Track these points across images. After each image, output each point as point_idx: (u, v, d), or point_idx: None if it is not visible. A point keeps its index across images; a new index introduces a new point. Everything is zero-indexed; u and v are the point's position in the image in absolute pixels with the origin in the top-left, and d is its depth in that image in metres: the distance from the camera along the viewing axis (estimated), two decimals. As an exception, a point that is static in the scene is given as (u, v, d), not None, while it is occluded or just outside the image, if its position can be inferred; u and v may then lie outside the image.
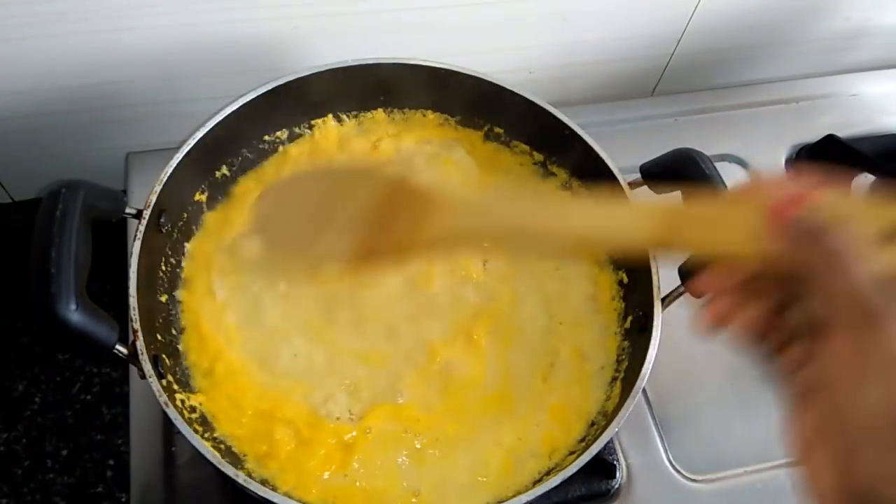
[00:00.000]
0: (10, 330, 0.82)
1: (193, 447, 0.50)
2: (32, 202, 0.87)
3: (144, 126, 0.81)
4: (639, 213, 0.43)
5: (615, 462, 0.67)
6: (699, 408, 0.72)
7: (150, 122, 0.81)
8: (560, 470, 0.53)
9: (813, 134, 0.87)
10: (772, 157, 0.88)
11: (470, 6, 0.77)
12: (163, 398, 0.51)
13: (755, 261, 0.38)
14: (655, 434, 0.70)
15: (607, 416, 0.59)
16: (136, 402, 0.66)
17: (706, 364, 0.74)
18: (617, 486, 0.67)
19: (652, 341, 0.57)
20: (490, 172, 0.73)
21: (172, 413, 0.51)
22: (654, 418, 0.71)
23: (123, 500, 0.65)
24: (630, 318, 0.64)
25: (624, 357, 0.63)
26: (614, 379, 0.63)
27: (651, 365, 0.57)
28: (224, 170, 0.69)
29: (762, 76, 0.98)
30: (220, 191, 0.69)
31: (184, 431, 0.50)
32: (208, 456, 0.50)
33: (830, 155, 0.85)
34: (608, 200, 0.50)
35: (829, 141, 0.86)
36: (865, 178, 0.85)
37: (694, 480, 0.68)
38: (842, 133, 0.86)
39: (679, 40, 0.89)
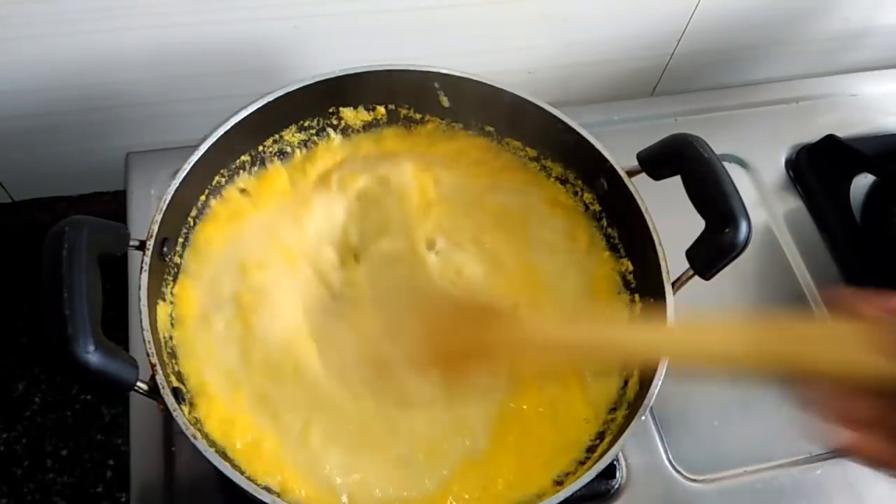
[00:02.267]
0: (10, 330, 0.82)
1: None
2: (32, 202, 0.87)
3: (144, 126, 0.81)
4: (741, 334, 0.43)
5: (615, 462, 0.67)
6: (699, 408, 0.72)
7: (150, 122, 0.81)
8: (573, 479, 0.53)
9: (813, 134, 0.87)
10: (772, 157, 0.88)
11: (469, 6, 0.77)
12: (190, 431, 0.50)
13: (879, 379, 0.37)
14: (655, 434, 0.70)
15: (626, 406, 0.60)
16: (136, 402, 0.66)
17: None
18: (617, 486, 0.67)
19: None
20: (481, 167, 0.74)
21: (202, 446, 0.50)
22: (654, 418, 0.71)
23: (123, 500, 0.65)
24: (640, 306, 0.65)
25: None
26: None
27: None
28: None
29: (762, 76, 0.98)
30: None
31: (217, 464, 0.50)
32: (241, 482, 0.50)
33: (830, 155, 0.85)
34: (697, 321, 0.50)
35: (829, 141, 0.86)
36: (865, 178, 0.85)
37: (694, 480, 0.68)
38: (842, 133, 0.86)
39: (679, 40, 0.89)
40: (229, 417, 0.58)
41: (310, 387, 0.61)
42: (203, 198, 0.66)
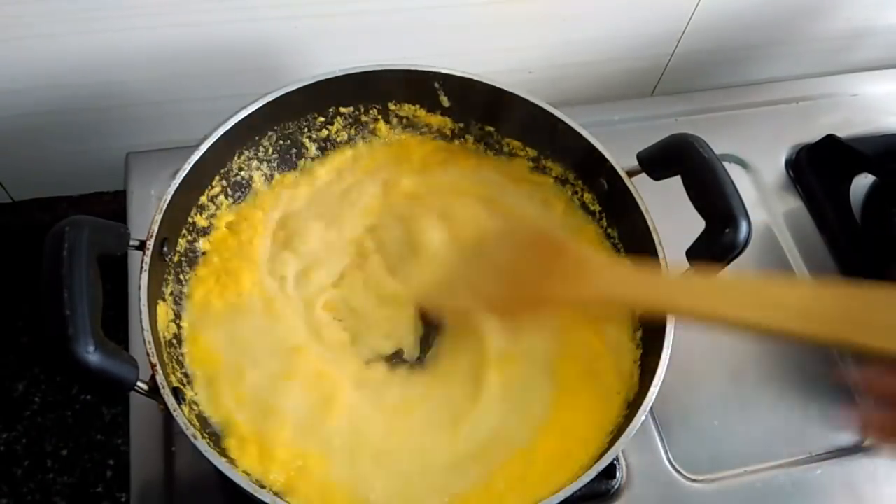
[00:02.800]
0: (10, 330, 0.82)
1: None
2: (32, 202, 0.87)
3: (144, 126, 0.81)
4: (817, 298, 0.43)
5: (615, 462, 0.67)
6: (699, 408, 0.72)
7: (150, 122, 0.81)
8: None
9: (813, 134, 0.87)
10: (772, 157, 0.88)
11: (470, 6, 0.77)
12: (190, 431, 0.50)
13: None
14: (655, 434, 0.70)
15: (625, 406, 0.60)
16: (136, 402, 0.66)
17: (706, 364, 0.74)
18: (617, 486, 0.67)
19: (668, 326, 0.58)
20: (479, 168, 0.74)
21: (202, 446, 0.50)
22: (654, 418, 0.71)
23: (123, 500, 0.65)
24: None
25: (637, 341, 0.64)
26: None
27: (669, 351, 0.57)
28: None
29: (762, 76, 0.98)
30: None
31: (217, 464, 0.50)
32: (241, 482, 0.50)
33: (830, 155, 0.85)
34: (776, 281, 0.50)
35: (829, 141, 0.85)
36: (865, 178, 0.85)
37: (694, 480, 0.68)
38: (842, 133, 0.86)
39: (679, 40, 0.89)
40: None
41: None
42: (203, 198, 0.66)
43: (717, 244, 0.56)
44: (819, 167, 0.86)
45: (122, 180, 0.78)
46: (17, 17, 0.67)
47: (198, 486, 0.63)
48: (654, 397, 0.56)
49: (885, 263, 0.79)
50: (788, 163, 0.88)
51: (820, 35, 0.95)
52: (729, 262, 0.57)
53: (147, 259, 0.55)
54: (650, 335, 0.61)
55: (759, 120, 0.91)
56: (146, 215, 0.62)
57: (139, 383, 0.50)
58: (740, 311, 0.47)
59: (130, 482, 0.63)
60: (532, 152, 0.72)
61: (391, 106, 0.72)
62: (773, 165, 0.88)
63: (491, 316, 0.62)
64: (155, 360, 0.53)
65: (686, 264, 0.59)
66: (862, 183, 0.85)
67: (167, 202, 0.58)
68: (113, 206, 0.87)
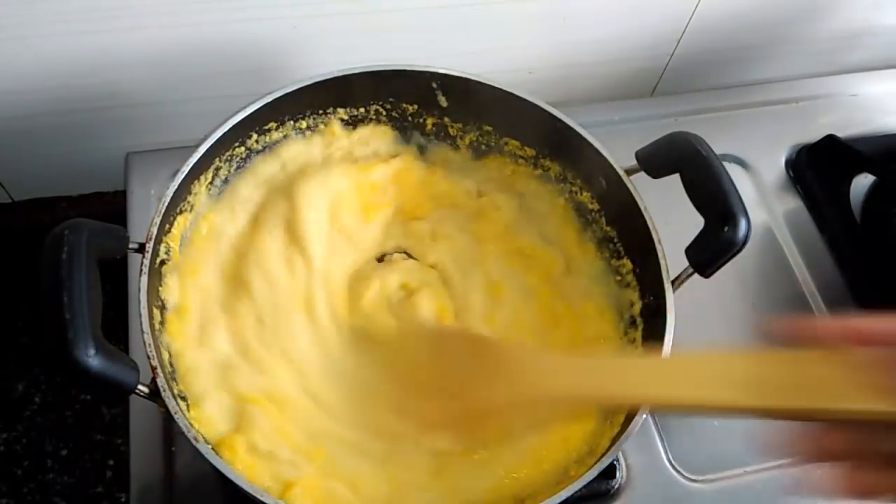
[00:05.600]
0: (10, 330, 0.82)
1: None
2: (32, 202, 0.87)
3: (144, 126, 0.81)
4: (725, 373, 0.39)
5: (615, 462, 0.67)
6: (699, 408, 0.72)
7: (150, 122, 0.81)
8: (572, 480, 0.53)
9: (813, 134, 0.87)
10: (772, 157, 0.88)
11: (470, 6, 0.77)
12: (192, 434, 0.50)
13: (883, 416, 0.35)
14: (655, 434, 0.70)
15: None
16: (136, 402, 0.66)
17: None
18: (617, 486, 0.67)
19: (668, 324, 0.58)
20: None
21: (205, 449, 0.50)
22: (654, 418, 0.71)
23: (123, 500, 0.65)
24: (640, 305, 0.65)
25: (637, 344, 0.64)
26: None
27: (670, 347, 0.57)
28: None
29: (762, 76, 0.98)
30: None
31: (220, 467, 0.50)
32: (242, 484, 0.50)
33: (830, 155, 0.85)
34: (695, 357, 0.45)
35: (829, 141, 0.86)
36: (865, 178, 0.85)
37: (694, 480, 0.68)
38: (842, 133, 0.86)
39: (679, 40, 0.90)
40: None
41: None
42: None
43: (717, 242, 0.56)
44: (819, 167, 0.86)
45: (122, 180, 0.78)
46: (17, 18, 0.67)
47: (198, 486, 0.63)
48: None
49: (885, 263, 0.79)
50: (788, 163, 0.88)
51: (820, 35, 0.95)
52: (728, 260, 0.57)
53: (146, 262, 0.55)
54: (650, 335, 0.61)
55: (759, 120, 0.91)
56: (146, 216, 0.62)
57: (140, 386, 0.49)
58: (687, 391, 0.42)
59: (130, 482, 0.63)
60: (530, 151, 0.72)
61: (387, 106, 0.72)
62: (773, 165, 0.88)
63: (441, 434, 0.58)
64: (155, 362, 0.52)
65: (685, 262, 0.59)
66: (862, 183, 0.85)
67: (165, 205, 0.58)
68: (113, 206, 0.87)
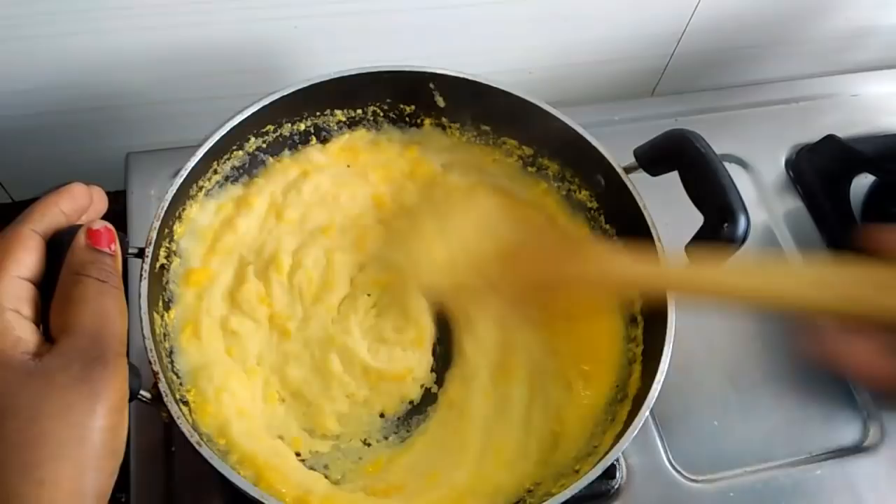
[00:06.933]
0: (10, 330, 0.82)
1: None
2: (32, 202, 0.87)
3: (144, 126, 0.81)
4: (820, 277, 0.44)
5: (615, 462, 0.67)
6: (699, 408, 0.72)
7: (150, 122, 0.81)
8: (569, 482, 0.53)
9: (813, 134, 0.87)
10: (772, 157, 0.88)
11: (470, 6, 0.77)
12: (195, 438, 0.50)
13: None
14: (655, 434, 0.70)
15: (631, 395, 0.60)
16: (135, 403, 0.65)
17: (706, 364, 0.74)
18: (617, 486, 0.67)
19: (669, 323, 0.58)
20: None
21: (207, 453, 0.50)
22: (654, 418, 0.71)
23: (123, 500, 0.65)
24: (640, 303, 0.64)
25: (638, 342, 0.64)
26: (631, 362, 0.63)
27: (670, 351, 0.57)
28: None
29: (762, 76, 0.98)
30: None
31: (222, 470, 0.50)
32: (244, 486, 0.50)
33: (830, 155, 0.85)
34: (775, 263, 0.53)
35: (829, 141, 0.85)
36: (865, 178, 0.85)
37: (694, 480, 0.68)
38: (842, 133, 0.86)
39: (679, 40, 0.90)
40: None
41: None
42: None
43: (716, 238, 0.56)
44: (819, 167, 0.85)
45: (122, 180, 0.78)
46: (18, 18, 0.67)
47: (198, 486, 0.63)
48: (654, 397, 0.55)
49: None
50: (788, 163, 0.88)
51: (820, 35, 0.95)
52: (728, 256, 0.56)
53: (146, 267, 0.55)
54: (650, 335, 0.61)
55: (759, 120, 0.91)
56: (146, 217, 0.62)
57: (142, 391, 0.49)
58: (746, 281, 0.48)
59: (130, 482, 0.63)
60: (528, 151, 0.72)
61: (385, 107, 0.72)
62: (773, 165, 0.87)
63: (501, 302, 0.63)
64: (157, 367, 0.52)
65: (685, 260, 0.58)
66: (862, 183, 0.85)
67: (164, 208, 0.58)
68: (113, 206, 0.87)
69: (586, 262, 0.59)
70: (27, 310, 0.42)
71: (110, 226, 0.46)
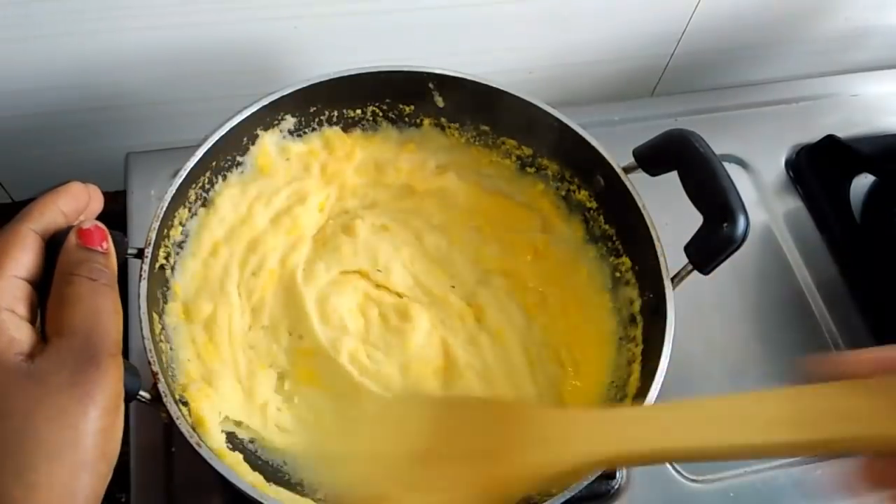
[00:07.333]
0: (10, 330, 0.82)
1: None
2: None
3: (144, 126, 0.81)
4: (759, 412, 0.38)
5: (615, 462, 0.67)
6: (699, 408, 0.72)
7: (150, 122, 0.81)
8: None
9: (813, 134, 0.87)
10: (772, 157, 0.88)
11: (469, 6, 0.77)
12: (194, 439, 0.50)
13: None
14: (655, 434, 0.70)
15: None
16: (135, 403, 0.65)
17: (706, 363, 0.74)
18: (617, 486, 0.67)
19: (668, 322, 0.58)
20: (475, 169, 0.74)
21: (206, 453, 0.50)
22: (654, 418, 0.71)
23: (123, 500, 0.65)
24: (639, 303, 0.65)
25: (637, 342, 0.64)
26: (630, 362, 0.63)
27: (671, 344, 0.57)
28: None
29: (762, 76, 0.98)
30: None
31: (222, 470, 0.50)
32: (244, 487, 0.50)
33: (830, 155, 0.85)
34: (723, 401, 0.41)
35: (829, 141, 0.85)
36: (865, 178, 0.85)
37: (694, 480, 0.68)
38: (842, 133, 0.86)
39: (679, 40, 0.90)
40: None
41: None
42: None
43: (715, 239, 0.56)
44: (819, 167, 0.85)
45: (122, 180, 0.78)
46: (18, 18, 0.67)
47: (198, 486, 0.63)
48: (654, 397, 0.55)
49: (885, 264, 0.79)
50: (788, 163, 0.88)
51: (820, 35, 0.95)
52: (728, 256, 0.56)
53: (146, 267, 0.55)
54: (650, 335, 0.61)
55: (759, 120, 0.91)
56: (146, 217, 0.62)
57: (141, 392, 0.49)
58: (729, 435, 0.39)
59: (130, 482, 0.63)
60: (528, 151, 0.72)
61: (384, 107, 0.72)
62: (773, 165, 0.87)
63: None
64: (157, 368, 0.52)
65: (684, 259, 0.59)
66: (862, 183, 0.85)
67: (164, 209, 0.58)
68: (113, 206, 0.86)
69: (546, 443, 0.44)
70: (23, 309, 0.42)
71: (101, 224, 0.46)
